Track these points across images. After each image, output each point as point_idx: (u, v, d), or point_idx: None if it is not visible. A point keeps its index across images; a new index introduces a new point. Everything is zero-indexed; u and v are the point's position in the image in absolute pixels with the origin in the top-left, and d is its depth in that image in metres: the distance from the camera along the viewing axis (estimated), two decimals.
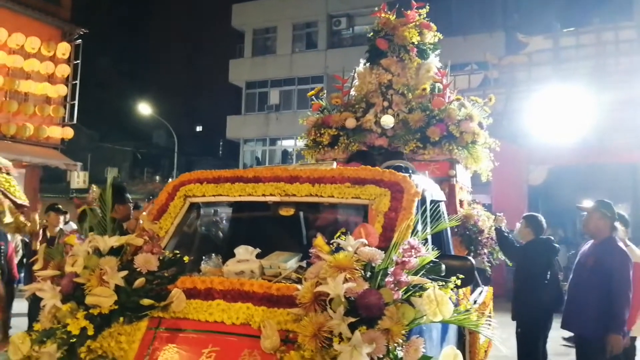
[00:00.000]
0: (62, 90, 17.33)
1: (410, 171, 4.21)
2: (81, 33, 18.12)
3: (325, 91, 7.26)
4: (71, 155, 18.76)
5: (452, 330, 3.99)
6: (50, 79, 17.10)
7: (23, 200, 6.10)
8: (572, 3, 20.62)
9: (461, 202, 6.19)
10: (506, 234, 6.28)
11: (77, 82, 17.98)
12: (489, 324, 2.87)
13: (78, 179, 20.30)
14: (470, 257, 3.70)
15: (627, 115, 14.54)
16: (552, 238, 6.50)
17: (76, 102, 17.98)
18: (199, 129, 46.35)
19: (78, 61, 17.96)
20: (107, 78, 37.86)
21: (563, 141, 14.52)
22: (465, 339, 4.55)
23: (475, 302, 5.11)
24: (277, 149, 30.48)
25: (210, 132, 40.23)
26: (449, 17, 21.87)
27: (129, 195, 5.09)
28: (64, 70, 17.27)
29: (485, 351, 5.34)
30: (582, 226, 5.95)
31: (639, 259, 5.65)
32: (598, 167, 15.09)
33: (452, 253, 4.60)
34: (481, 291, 5.73)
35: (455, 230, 5.70)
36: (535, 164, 16.01)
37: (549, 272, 6.05)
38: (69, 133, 17.76)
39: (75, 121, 18.13)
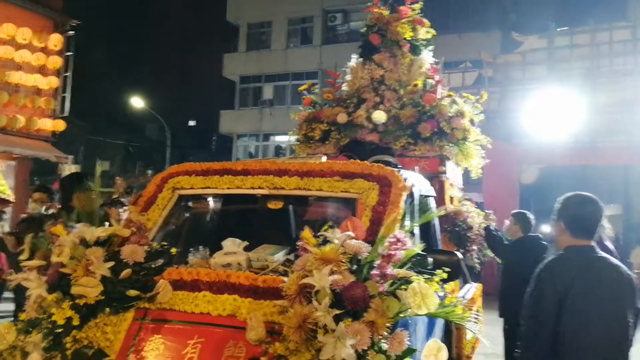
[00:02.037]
0: (53, 82, 17.18)
1: (393, 163, 4.22)
2: (73, 24, 17.97)
3: (318, 86, 7.25)
4: (62, 147, 18.62)
5: (439, 324, 4.00)
6: (42, 70, 16.93)
7: (7, 195, 5.97)
8: (568, 3, 20.64)
9: (451, 198, 6.20)
10: (494, 233, 6.28)
11: (69, 74, 17.83)
12: (476, 319, 2.87)
13: (69, 171, 20.20)
14: (457, 252, 3.71)
15: (620, 117, 14.60)
16: (541, 235, 6.52)
17: (68, 95, 17.83)
18: (192, 123, 46.11)
19: (70, 53, 17.82)
20: (99, 70, 37.64)
21: (556, 141, 14.57)
22: (452, 334, 4.57)
23: (463, 297, 5.12)
24: (271, 145, 30.40)
25: (204, 127, 40.03)
26: (446, 14, 21.90)
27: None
28: (56, 61, 17.11)
29: (473, 347, 5.35)
30: None
31: None
32: (590, 167, 15.14)
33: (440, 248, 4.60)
34: (470, 288, 5.74)
35: (445, 226, 5.71)
36: (528, 163, 16.05)
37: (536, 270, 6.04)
38: (60, 125, 17.61)
39: (66, 113, 17.97)
